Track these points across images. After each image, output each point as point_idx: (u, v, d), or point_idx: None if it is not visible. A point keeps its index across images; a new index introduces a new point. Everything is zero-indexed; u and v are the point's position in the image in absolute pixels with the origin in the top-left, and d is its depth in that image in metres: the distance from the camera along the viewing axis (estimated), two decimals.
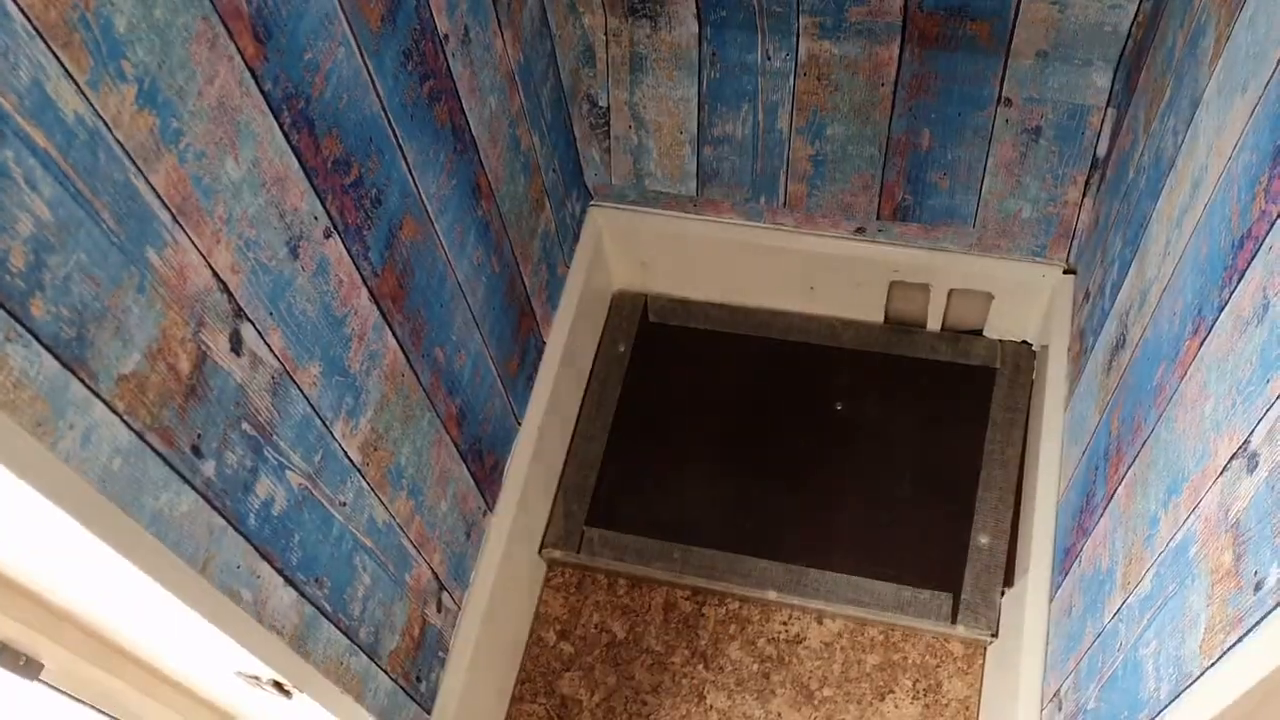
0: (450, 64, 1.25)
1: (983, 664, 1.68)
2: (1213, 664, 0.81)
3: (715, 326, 1.94)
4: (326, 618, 1.16)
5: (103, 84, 0.74)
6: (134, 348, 0.81)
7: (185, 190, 0.84)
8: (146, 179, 0.79)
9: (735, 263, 1.88)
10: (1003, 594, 1.65)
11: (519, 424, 1.68)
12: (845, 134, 1.69)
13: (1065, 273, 1.75)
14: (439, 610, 1.47)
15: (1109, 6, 1.44)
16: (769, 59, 1.63)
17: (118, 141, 0.76)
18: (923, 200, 1.74)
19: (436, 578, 1.44)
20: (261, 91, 0.91)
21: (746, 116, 1.71)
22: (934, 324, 1.87)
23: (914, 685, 1.67)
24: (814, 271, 1.85)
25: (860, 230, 1.80)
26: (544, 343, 1.75)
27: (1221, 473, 0.85)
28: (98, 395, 0.78)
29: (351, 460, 1.17)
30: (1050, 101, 1.58)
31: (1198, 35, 1.14)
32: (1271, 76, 0.87)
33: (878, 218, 1.78)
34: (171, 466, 0.87)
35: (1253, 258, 0.85)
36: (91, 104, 0.73)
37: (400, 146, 1.17)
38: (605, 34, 1.67)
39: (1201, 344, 0.96)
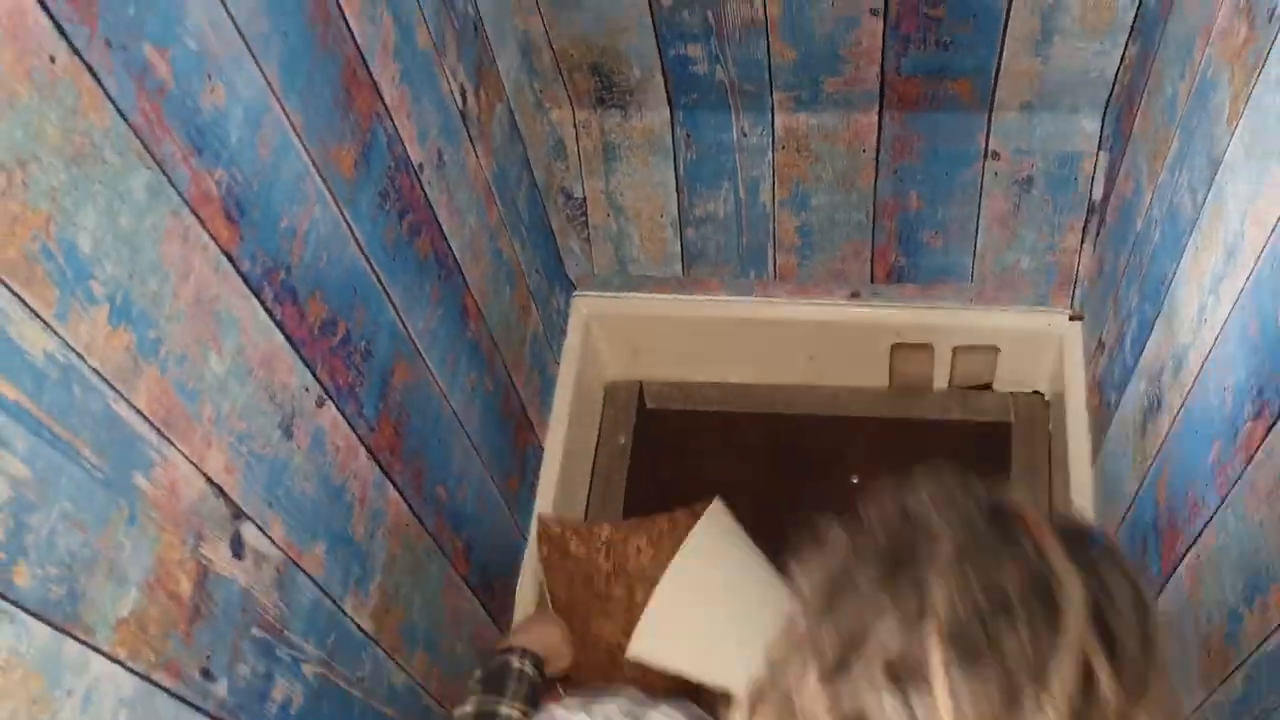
0: (427, 192, 1.18)
1: None
2: None
3: (715, 407, 1.87)
4: None
5: (72, 313, 0.66)
6: (130, 585, 0.73)
7: (169, 401, 0.76)
8: (128, 401, 0.72)
9: (729, 340, 1.82)
10: None
11: (525, 539, 1.60)
12: (831, 202, 1.63)
13: (1072, 319, 1.69)
14: None
15: (1094, 53, 1.39)
16: (745, 135, 1.58)
17: (94, 370, 0.68)
18: (917, 260, 1.68)
19: None
20: (240, 273, 0.84)
21: (727, 194, 1.65)
22: (941, 383, 1.81)
23: None
24: (812, 341, 1.79)
25: (855, 295, 1.75)
26: (542, 449, 1.67)
27: None
28: (95, 649, 0.70)
29: (365, 632, 1.09)
30: (1039, 151, 1.53)
31: (1206, 89, 1.09)
32: None
33: (872, 281, 1.72)
34: (182, 699, 0.79)
35: None
36: (62, 337, 0.65)
37: (386, 290, 1.09)
38: (574, 126, 1.61)
39: (1269, 431, 0.90)
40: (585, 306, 1.80)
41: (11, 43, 0.60)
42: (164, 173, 0.74)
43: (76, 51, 0.65)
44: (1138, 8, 1.32)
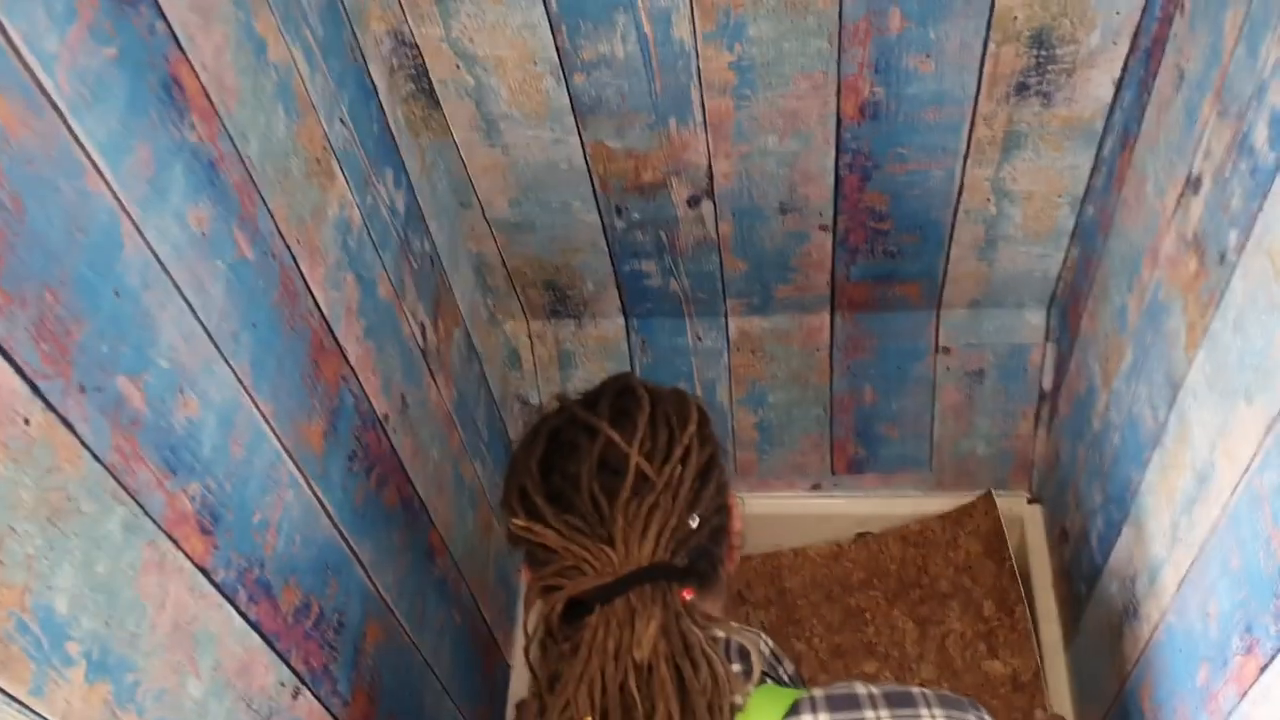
0: (392, 441, 1.16)
1: None
2: None
3: None
4: None
5: (48, 684, 0.62)
6: None
7: None
8: None
9: None
10: None
11: None
12: (787, 399, 1.64)
13: (1030, 501, 1.71)
14: None
15: (1037, 256, 1.43)
16: (700, 339, 1.59)
17: None
18: (875, 451, 1.69)
19: None
20: (215, 585, 0.80)
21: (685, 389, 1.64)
22: None
23: None
24: (777, 533, 1.77)
25: (817, 487, 1.74)
26: (509, 665, 1.63)
27: None
28: None
29: None
30: (989, 345, 1.56)
31: (1158, 311, 1.12)
32: None
33: (833, 473, 1.72)
34: None
35: None
36: (38, 713, 0.61)
37: (356, 554, 1.06)
38: (529, 337, 1.61)
39: (1262, 670, 0.90)
40: None
41: None
42: (139, 504, 0.71)
43: (51, 407, 0.63)
44: (1077, 216, 1.36)
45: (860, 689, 0.84)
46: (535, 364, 1.63)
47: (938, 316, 1.54)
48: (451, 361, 1.37)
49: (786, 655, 0.93)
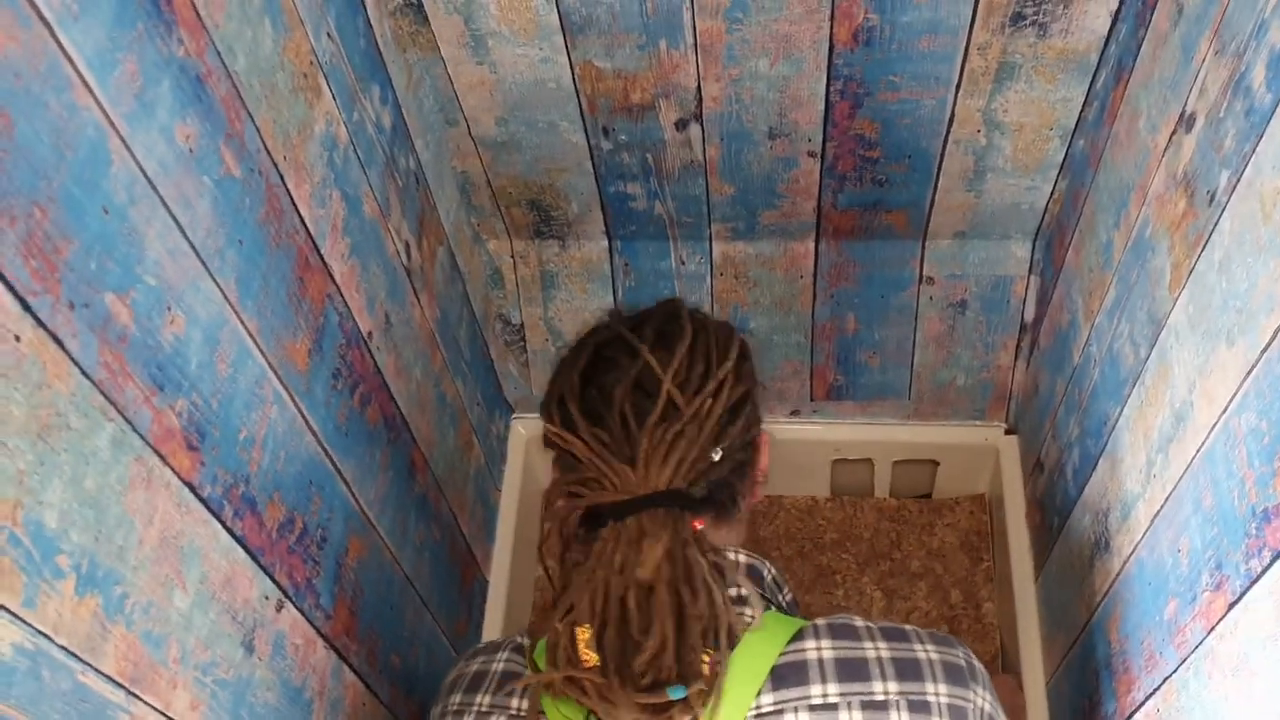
0: (376, 359, 1.16)
1: None
2: None
3: None
4: None
5: (40, 596, 0.63)
6: None
7: (136, 654, 0.73)
8: (96, 669, 0.68)
9: None
10: None
11: None
12: (769, 325, 1.65)
13: (1007, 433, 1.73)
14: None
15: (1025, 188, 1.43)
16: (683, 264, 1.58)
17: (62, 648, 0.65)
18: (855, 379, 1.70)
19: None
20: (201, 500, 0.81)
21: None
22: (882, 493, 1.83)
23: None
24: None
25: (795, 413, 1.76)
26: (487, 581, 1.65)
27: None
28: None
29: None
30: (972, 276, 1.57)
31: (1144, 249, 1.12)
32: (1270, 343, 0.84)
33: (812, 399, 1.74)
34: None
35: None
36: (29, 624, 0.62)
37: (339, 471, 1.07)
38: (512, 256, 1.60)
39: (1230, 607, 0.92)
40: (524, 429, 1.79)
41: None
42: (126, 420, 0.71)
43: (41, 324, 0.63)
44: (1067, 149, 1.36)
45: (858, 622, 0.87)
46: (518, 284, 1.63)
47: (923, 247, 1.54)
48: (435, 280, 1.36)
49: (787, 584, 0.97)
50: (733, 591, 0.86)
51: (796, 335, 1.65)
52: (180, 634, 0.78)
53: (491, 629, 1.62)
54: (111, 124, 0.68)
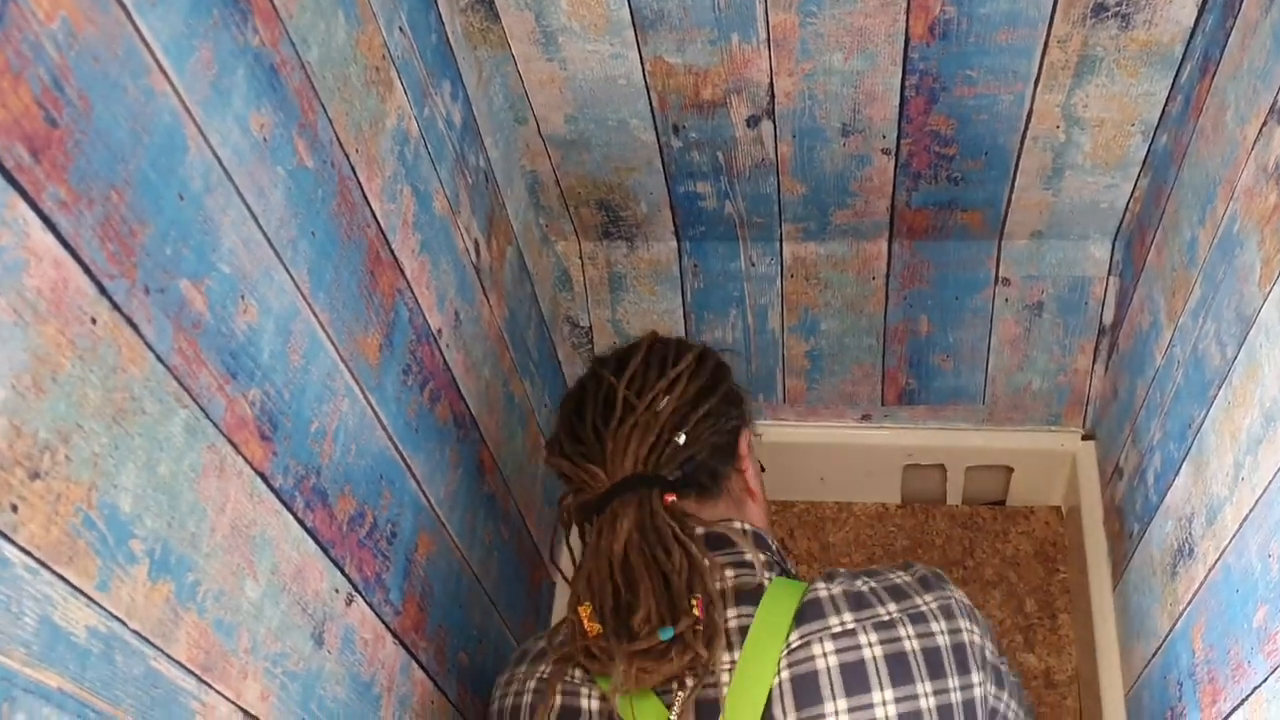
0: (445, 356, 1.16)
1: None
2: None
3: None
4: None
5: (114, 580, 0.63)
6: None
7: (208, 642, 0.73)
8: (168, 655, 0.68)
9: None
10: None
11: None
12: (840, 328, 1.62)
13: (1084, 438, 1.68)
14: None
15: (1104, 186, 1.39)
16: (754, 265, 1.57)
17: (135, 632, 0.65)
18: (928, 383, 1.67)
19: None
20: (273, 490, 0.81)
21: (735, 321, 1.64)
22: (954, 500, 1.79)
23: None
24: (823, 463, 1.77)
25: (866, 417, 1.73)
26: (554, 582, 1.64)
27: None
28: None
29: None
30: (1049, 277, 1.53)
31: (1231, 244, 1.09)
32: None
33: (883, 404, 1.71)
34: None
35: None
36: (104, 608, 0.62)
37: (409, 467, 1.07)
38: (580, 258, 1.60)
39: None
40: None
41: (54, 316, 0.58)
42: (200, 407, 0.71)
43: (117, 307, 0.63)
44: (1150, 145, 1.32)
45: (860, 584, 0.95)
46: (586, 285, 1.62)
47: (999, 247, 1.51)
48: (504, 280, 1.36)
49: (789, 557, 1.09)
50: (735, 556, 0.97)
51: (868, 338, 1.63)
52: (251, 624, 0.78)
53: None
54: (188, 110, 0.69)
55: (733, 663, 0.91)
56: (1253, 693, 1.03)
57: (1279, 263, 0.97)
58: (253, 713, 0.78)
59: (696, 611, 0.89)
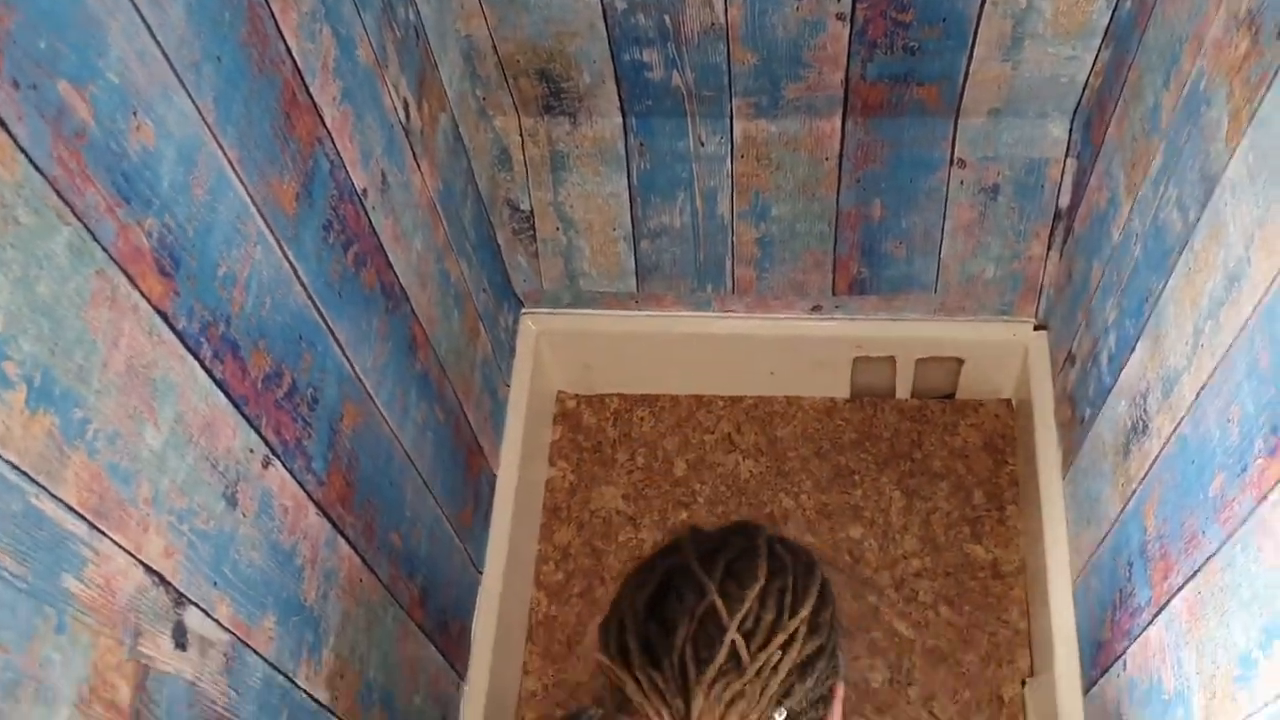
0: (372, 219, 1.09)
1: None
2: None
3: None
4: None
5: None
6: (62, 702, 0.64)
7: (101, 486, 0.67)
8: (52, 494, 0.62)
9: (686, 356, 1.75)
10: (1024, 684, 1.55)
11: (480, 574, 1.52)
12: (791, 212, 1.57)
13: (1036, 329, 1.65)
14: None
15: (1065, 58, 1.34)
16: (702, 144, 1.50)
17: (9, 464, 0.59)
18: (880, 271, 1.63)
19: None
20: (176, 332, 0.74)
21: (683, 205, 1.58)
22: (903, 393, 1.76)
23: None
24: (772, 356, 1.72)
25: (817, 308, 1.69)
26: (494, 475, 1.59)
27: None
28: None
29: (320, 702, 1.00)
30: (1006, 158, 1.48)
31: (1197, 102, 1.04)
32: None
33: (834, 294, 1.66)
34: None
35: None
36: None
37: (332, 331, 1.00)
38: (520, 134, 1.52)
39: None
40: (534, 324, 1.72)
41: None
42: (86, 228, 0.65)
43: None
44: (1114, 10, 1.27)
45: None
46: (526, 165, 1.55)
47: (955, 126, 1.45)
48: (436, 148, 1.29)
49: None
50: None
51: (820, 223, 1.58)
52: (152, 474, 0.72)
53: (500, 523, 1.57)
54: None
55: None
56: (1206, 563, 1.01)
57: (1248, 113, 0.93)
58: (155, 568, 0.73)
59: None
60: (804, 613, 0.82)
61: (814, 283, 1.65)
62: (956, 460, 1.69)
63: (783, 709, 0.80)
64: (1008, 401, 1.73)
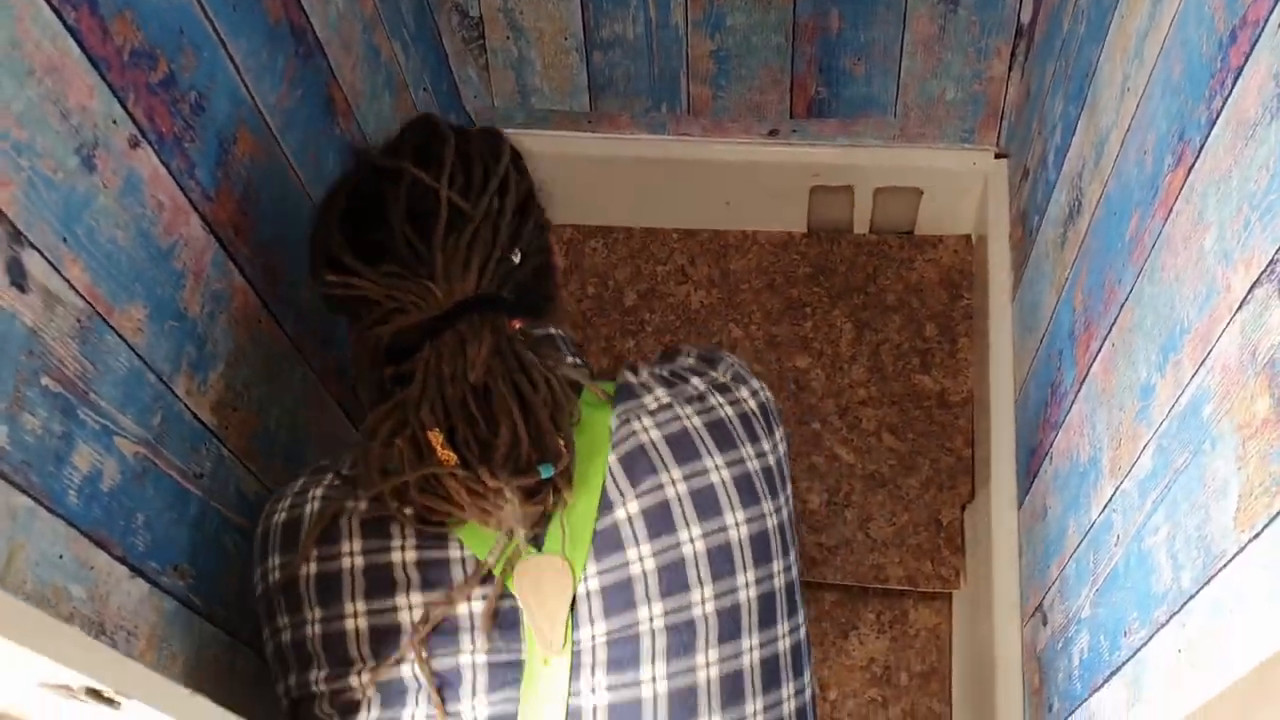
0: None
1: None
2: (1255, 536, 0.66)
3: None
4: (195, 611, 0.97)
5: None
6: None
7: None
8: None
9: (641, 182, 1.71)
10: (962, 509, 1.52)
11: None
12: (747, 23, 1.53)
13: (997, 157, 1.61)
14: None
15: None
16: None
17: None
18: (838, 91, 1.58)
19: None
20: None
21: (636, 13, 1.53)
22: (861, 228, 1.72)
23: (878, 618, 1.52)
24: (728, 184, 1.69)
25: (774, 133, 1.65)
26: None
27: (1239, 307, 0.70)
28: None
29: (204, 423, 0.98)
30: None
31: None
32: None
33: (791, 116, 1.62)
34: None
35: (1252, 47, 0.70)
36: None
37: (223, 42, 0.97)
38: None
39: (1189, 172, 0.81)
40: None
41: None
42: None
43: None
44: None
45: (661, 370, 0.93)
46: None
47: None
48: None
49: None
50: (572, 372, 0.90)
51: (776, 35, 1.53)
52: None
53: None
54: None
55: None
56: (1120, 312, 0.97)
57: None
58: None
59: (565, 451, 0.83)
60: (505, 159, 0.89)
61: (771, 104, 1.61)
62: (911, 294, 1.65)
63: (517, 250, 0.86)
64: (967, 237, 1.69)
